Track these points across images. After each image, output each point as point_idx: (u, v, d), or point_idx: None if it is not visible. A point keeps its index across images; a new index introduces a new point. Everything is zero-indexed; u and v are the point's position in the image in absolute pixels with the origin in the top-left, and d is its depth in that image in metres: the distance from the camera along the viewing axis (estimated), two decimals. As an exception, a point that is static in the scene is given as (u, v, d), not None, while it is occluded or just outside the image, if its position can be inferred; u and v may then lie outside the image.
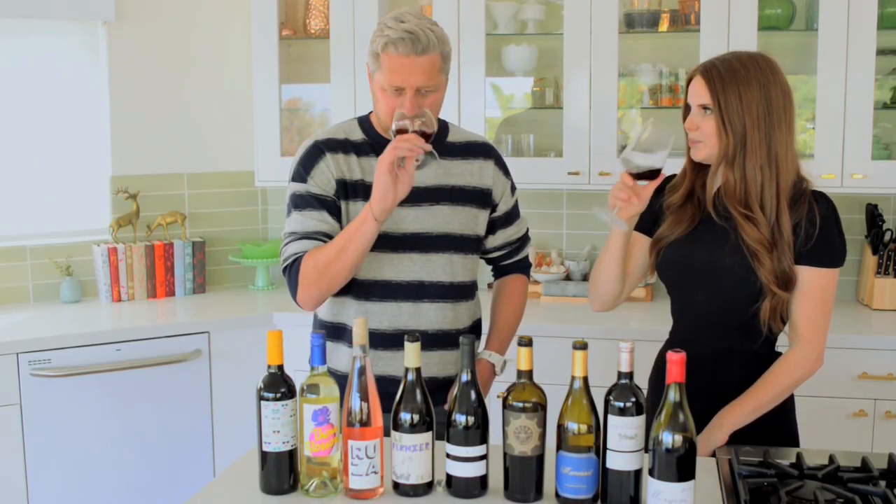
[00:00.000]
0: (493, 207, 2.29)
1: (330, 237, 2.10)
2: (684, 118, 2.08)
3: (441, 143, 2.21)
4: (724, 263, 2.02)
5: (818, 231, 1.98)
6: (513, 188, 2.34)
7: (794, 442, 2.13)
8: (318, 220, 2.11)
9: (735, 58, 2.02)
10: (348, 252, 2.02)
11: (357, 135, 2.20)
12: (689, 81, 2.07)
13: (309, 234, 2.10)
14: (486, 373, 2.32)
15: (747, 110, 1.96)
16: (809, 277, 2.00)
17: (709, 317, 2.07)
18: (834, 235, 2.01)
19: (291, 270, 2.09)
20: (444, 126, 2.26)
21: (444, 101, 2.16)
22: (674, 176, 2.17)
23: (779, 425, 2.09)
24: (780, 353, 2.12)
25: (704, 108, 2.00)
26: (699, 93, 2.00)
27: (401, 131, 1.98)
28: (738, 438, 1.97)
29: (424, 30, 2.04)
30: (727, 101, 1.96)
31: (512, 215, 2.35)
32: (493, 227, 2.30)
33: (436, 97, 2.11)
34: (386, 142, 2.15)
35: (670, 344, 2.10)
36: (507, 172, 2.33)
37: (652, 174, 1.91)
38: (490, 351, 2.35)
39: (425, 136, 1.97)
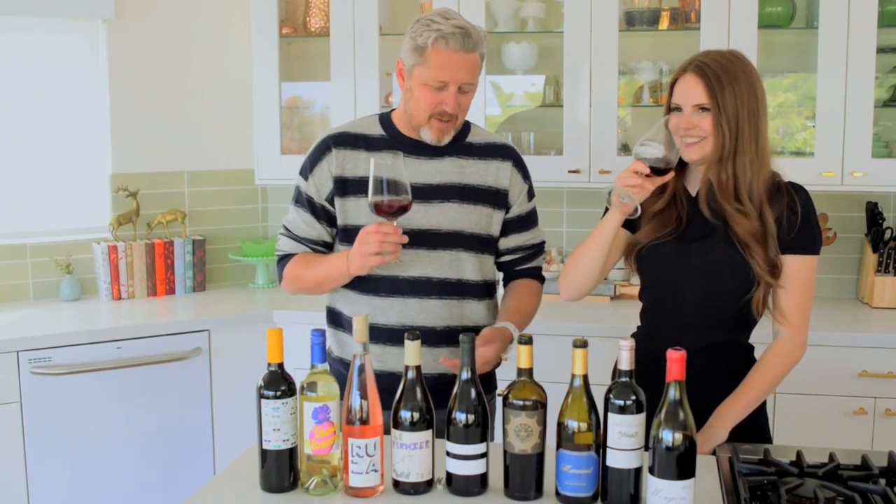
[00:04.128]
0: (508, 209, 2.28)
1: (316, 243, 2.24)
2: (666, 117, 2.07)
3: (460, 142, 2.24)
4: (719, 258, 2.04)
5: (800, 220, 2.03)
6: (530, 193, 2.32)
7: (767, 439, 2.15)
8: (307, 224, 2.22)
9: (719, 55, 2.04)
10: (324, 287, 2.24)
11: (375, 130, 2.23)
12: (673, 82, 2.06)
13: (298, 238, 2.24)
14: (507, 335, 2.17)
15: (741, 107, 1.98)
16: (795, 266, 2.04)
17: (698, 312, 2.07)
18: (814, 224, 2.07)
19: (280, 265, 2.28)
20: (465, 127, 2.27)
21: None
22: None
23: (753, 425, 2.11)
24: (753, 346, 2.15)
25: (701, 107, 2.00)
26: (694, 92, 2.01)
27: (378, 207, 1.98)
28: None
29: (473, 28, 2.12)
30: (724, 100, 1.98)
31: (527, 220, 2.32)
32: (505, 229, 2.29)
33: (471, 98, 2.17)
34: (405, 139, 2.20)
35: (652, 341, 2.06)
36: (525, 176, 2.31)
37: (666, 170, 1.94)
38: (507, 321, 2.23)
39: (403, 209, 1.98)
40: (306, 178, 2.21)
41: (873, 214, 3.45)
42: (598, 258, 2.08)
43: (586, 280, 2.13)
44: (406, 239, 2.01)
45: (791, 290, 2.04)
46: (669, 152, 1.96)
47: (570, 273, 2.15)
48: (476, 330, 2.20)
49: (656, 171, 1.95)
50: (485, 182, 2.23)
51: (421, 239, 2.16)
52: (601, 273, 2.12)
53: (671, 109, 2.07)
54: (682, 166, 2.11)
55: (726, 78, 1.99)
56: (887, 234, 3.42)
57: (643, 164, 1.95)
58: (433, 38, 2.07)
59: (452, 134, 2.19)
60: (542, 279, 2.38)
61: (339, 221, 2.20)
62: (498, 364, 2.37)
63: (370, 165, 1.98)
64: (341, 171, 2.18)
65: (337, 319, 2.28)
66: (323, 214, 2.21)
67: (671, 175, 1.98)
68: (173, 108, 3.75)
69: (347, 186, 2.18)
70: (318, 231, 2.23)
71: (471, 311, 2.24)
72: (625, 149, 3.51)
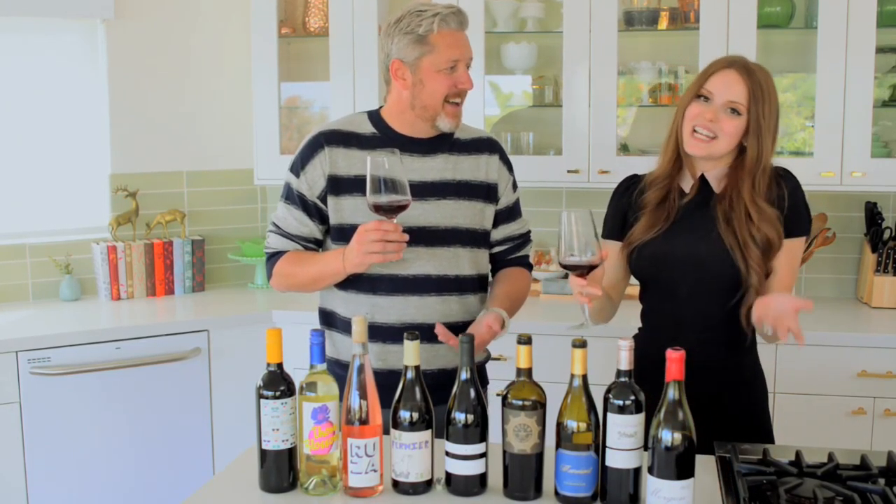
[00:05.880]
0: (497, 202, 2.30)
1: (307, 240, 2.23)
2: (686, 105, 2.06)
3: (448, 140, 2.25)
4: (706, 253, 2.05)
5: (788, 204, 2.05)
6: (514, 185, 2.36)
7: (770, 438, 2.16)
8: (298, 221, 2.22)
9: (759, 68, 2.05)
10: (318, 285, 2.24)
11: (366, 128, 2.23)
12: (710, 72, 2.04)
13: (289, 235, 2.23)
14: (496, 321, 2.16)
15: (772, 123, 2.03)
16: (784, 249, 2.06)
17: (691, 310, 2.08)
18: (801, 206, 2.09)
19: (269, 262, 2.28)
20: None
21: None
22: (636, 176, 2.19)
23: (756, 426, 2.12)
24: (755, 345, 2.16)
25: (734, 107, 2.00)
26: (734, 90, 2.00)
27: (377, 206, 1.97)
28: (718, 437, 1.97)
29: (461, 8, 2.17)
30: (763, 110, 2.00)
31: (514, 211, 2.36)
32: (495, 221, 2.31)
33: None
34: (397, 136, 2.20)
35: (652, 342, 2.03)
36: (510, 168, 2.35)
37: (592, 266, 1.90)
38: (498, 307, 2.22)
39: (402, 207, 1.99)
40: (298, 175, 2.21)
41: (872, 214, 3.45)
42: (602, 309, 2.14)
43: (602, 318, 2.20)
44: (407, 237, 2.01)
45: (781, 271, 2.07)
46: (591, 253, 1.89)
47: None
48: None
49: (588, 268, 1.90)
50: (476, 177, 2.26)
51: (419, 236, 2.16)
52: (613, 306, 2.18)
53: (698, 97, 2.05)
54: (679, 167, 2.11)
55: (766, 89, 2.01)
56: (886, 234, 3.41)
57: (579, 278, 1.91)
58: (436, 23, 2.11)
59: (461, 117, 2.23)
60: (530, 266, 2.42)
61: (334, 220, 2.20)
62: (488, 358, 2.38)
63: (367, 164, 1.97)
64: (335, 170, 2.18)
65: (330, 320, 2.28)
66: (315, 212, 2.21)
67: (606, 257, 1.93)
68: (172, 108, 3.75)
69: (341, 185, 2.18)
70: (310, 228, 2.22)
71: (469, 305, 2.25)
72: (624, 149, 3.51)
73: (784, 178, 2.08)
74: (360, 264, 2.06)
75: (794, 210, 2.06)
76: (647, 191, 2.14)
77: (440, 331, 2.09)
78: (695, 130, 2.03)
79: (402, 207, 1.98)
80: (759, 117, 2.00)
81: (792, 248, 2.07)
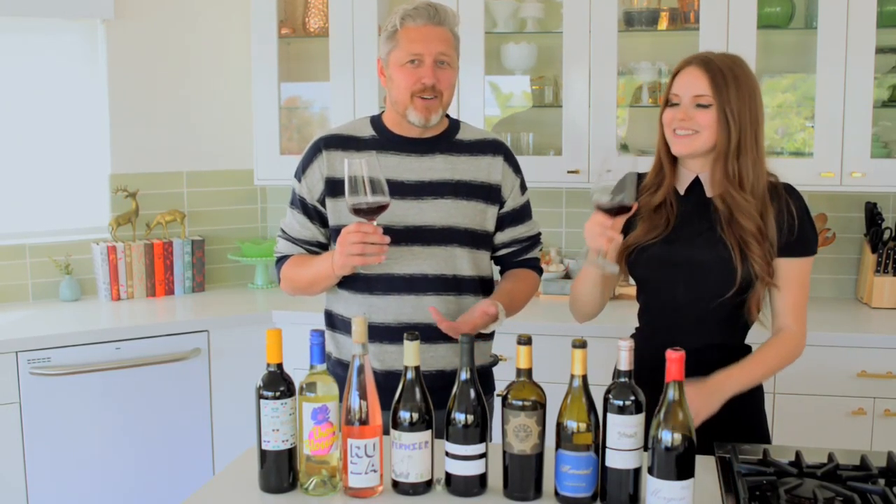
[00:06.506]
0: (502, 203, 2.29)
1: (310, 244, 2.26)
2: (662, 111, 2.08)
3: (449, 140, 2.25)
4: (705, 257, 2.04)
5: (798, 223, 2.04)
6: (523, 187, 2.34)
7: (766, 439, 2.15)
8: (301, 225, 2.25)
9: (724, 55, 2.05)
10: (315, 288, 2.25)
11: (366, 132, 2.24)
12: (675, 74, 2.07)
13: (293, 239, 2.26)
14: (490, 304, 2.15)
15: (743, 107, 1.99)
16: (793, 268, 2.05)
17: (689, 313, 2.07)
18: (809, 225, 2.08)
19: (277, 266, 2.32)
20: (454, 125, 2.28)
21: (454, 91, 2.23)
22: (643, 175, 2.19)
23: (752, 425, 2.11)
24: (750, 347, 2.15)
25: (700, 101, 2.00)
26: (696, 84, 2.01)
27: (356, 208, 1.96)
28: (713, 437, 1.96)
29: (441, 5, 2.17)
30: (728, 96, 1.98)
31: (522, 213, 2.34)
32: (500, 223, 2.30)
33: (451, 74, 2.18)
34: (396, 137, 2.20)
35: (648, 343, 2.03)
36: (517, 170, 2.33)
37: (623, 209, 1.90)
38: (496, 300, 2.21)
39: (382, 208, 1.97)
40: (299, 180, 2.24)
41: (872, 215, 3.45)
42: (595, 294, 2.13)
43: (593, 309, 2.19)
44: (388, 239, 1.99)
45: (790, 291, 2.05)
46: (625, 195, 1.89)
47: (574, 305, 2.21)
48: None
49: (617, 211, 1.90)
50: (477, 178, 2.25)
51: (415, 235, 2.17)
52: (604, 298, 2.17)
53: (668, 103, 2.06)
54: (673, 173, 2.11)
55: (731, 76, 2.00)
56: (886, 235, 3.42)
57: (604, 214, 1.90)
58: (400, 18, 2.14)
59: (440, 114, 2.19)
60: (539, 270, 2.40)
61: (332, 222, 2.22)
62: (495, 363, 2.38)
63: (344, 167, 1.97)
64: (332, 172, 2.19)
65: (333, 321, 2.29)
66: (315, 215, 2.23)
67: (634, 209, 1.93)
68: (172, 108, 3.75)
69: (339, 187, 2.17)
70: (312, 232, 2.25)
71: (467, 306, 2.23)
72: (624, 149, 3.51)
73: (791, 195, 2.06)
74: (344, 266, 2.06)
75: (801, 229, 2.04)
76: (643, 196, 2.14)
77: (433, 311, 2.09)
78: (675, 132, 2.04)
79: (381, 208, 1.97)
80: (725, 102, 1.99)
81: (800, 268, 2.05)
